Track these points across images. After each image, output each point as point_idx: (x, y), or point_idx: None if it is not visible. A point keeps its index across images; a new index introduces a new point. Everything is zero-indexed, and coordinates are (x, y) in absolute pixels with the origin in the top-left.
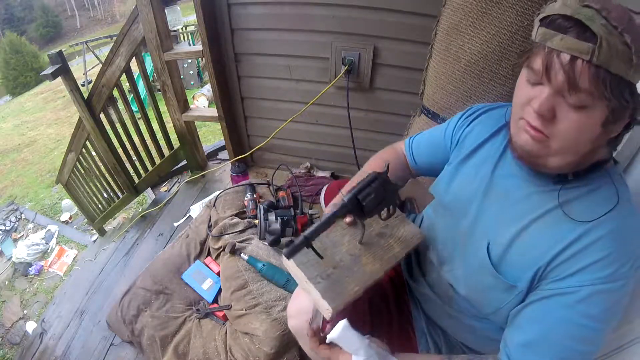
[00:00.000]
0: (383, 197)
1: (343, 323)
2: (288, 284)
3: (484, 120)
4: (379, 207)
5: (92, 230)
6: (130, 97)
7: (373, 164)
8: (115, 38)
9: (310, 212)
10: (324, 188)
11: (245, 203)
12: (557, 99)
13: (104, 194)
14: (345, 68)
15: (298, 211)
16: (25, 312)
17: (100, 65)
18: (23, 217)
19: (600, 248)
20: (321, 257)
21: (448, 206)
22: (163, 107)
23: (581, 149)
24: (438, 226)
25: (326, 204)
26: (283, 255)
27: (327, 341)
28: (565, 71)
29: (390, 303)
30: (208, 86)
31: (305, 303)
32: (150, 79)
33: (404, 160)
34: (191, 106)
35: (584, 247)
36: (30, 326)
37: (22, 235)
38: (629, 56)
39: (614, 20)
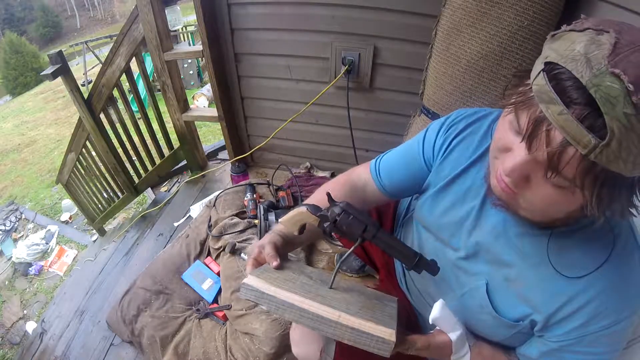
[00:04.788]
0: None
1: (441, 302)
2: None
3: (465, 141)
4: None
5: (92, 230)
6: (130, 97)
7: (320, 196)
8: (115, 38)
9: None
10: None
11: (245, 203)
12: (534, 166)
13: (104, 194)
14: (345, 68)
15: None
16: (25, 312)
17: (100, 65)
18: (23, 217)
19: (598, 304)
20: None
21: (432, 232)
22: (163, 107)
23: (553, 216)
24: (427, 248)
25: None
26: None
27: (430, 322)
28: (550, 154)
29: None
30: (208, 86)
31: None
32: (150, 79)
33: (361, 191)
34: (191, 106)
35: (583, 304)
36: (30, 326)
37: (22, 235)
38: None
39: None
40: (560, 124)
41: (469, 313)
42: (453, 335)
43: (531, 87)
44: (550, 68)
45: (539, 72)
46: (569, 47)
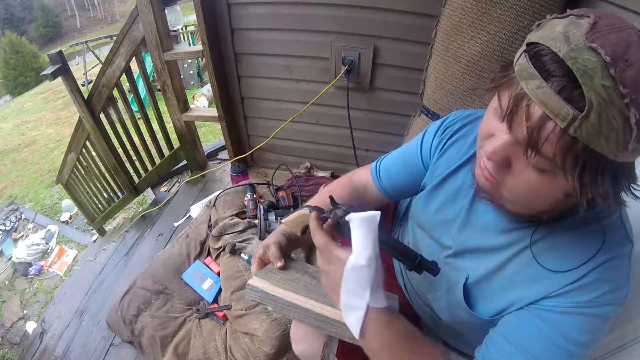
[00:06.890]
0: None
1: (377, 214)
2: None
3: (459, 142)
4: None
5: (92, 230)
6: (130, 97)
7: (322, 198)
8: (115, 38)
9: None
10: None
11: (245, 203)
12: (515, 148)
13: (104, 194)
14: (345, 68)
15: None
16: (25, 312)
17: (100, 65)
18: (23, 217)
19: (582, 282)
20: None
21: (426, 230)
22: (163, 107)
23: (536, 207)
24: (421, 247)
25: None
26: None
27: (347, 218)
28: (529, 129)
29: None
30: (208, 86)
31: None
32: (150, 79)
33: (362, 192)
34: (191, 106)
35: (566, 284)
36: (30, 326)
37: (22, 235)
38: (624, 139)
39: (626, 83)
40: (539, 98)
41: (451, 310)
42: (353, 258)
43: (514, 69)
44: (531, 48)
45: (521, 54)
46: (550, 30)
